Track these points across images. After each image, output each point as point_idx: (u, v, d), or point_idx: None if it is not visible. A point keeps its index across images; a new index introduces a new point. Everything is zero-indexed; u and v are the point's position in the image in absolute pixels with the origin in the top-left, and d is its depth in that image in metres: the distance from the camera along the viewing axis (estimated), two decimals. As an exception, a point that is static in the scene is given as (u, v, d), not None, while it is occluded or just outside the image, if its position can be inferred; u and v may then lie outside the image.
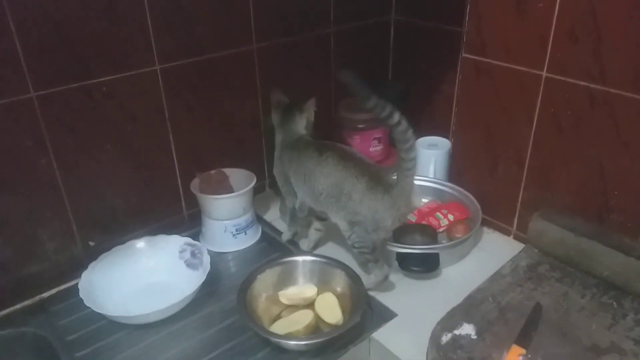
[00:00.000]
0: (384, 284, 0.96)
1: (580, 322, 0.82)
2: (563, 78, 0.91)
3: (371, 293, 0.95)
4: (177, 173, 1.11)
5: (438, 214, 1.14)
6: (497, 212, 1.11)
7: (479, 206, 1.10)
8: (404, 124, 0.81)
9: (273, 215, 1.22)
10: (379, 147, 1.31)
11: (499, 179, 1.08)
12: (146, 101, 1.01)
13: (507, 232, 1.11)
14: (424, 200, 1.20)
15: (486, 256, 1.05)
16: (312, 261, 0.97)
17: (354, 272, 0.93)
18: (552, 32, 0.90)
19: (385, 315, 0.92)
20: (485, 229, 1.14)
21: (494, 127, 1.05)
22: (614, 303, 0.86)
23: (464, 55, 1.05)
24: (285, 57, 1.17)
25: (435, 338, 0.79)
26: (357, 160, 0.93)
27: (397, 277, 1.01)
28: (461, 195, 1.16)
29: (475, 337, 0.79)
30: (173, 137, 1.07)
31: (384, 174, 0.92)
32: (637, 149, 0.86)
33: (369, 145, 1.30)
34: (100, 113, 0.96)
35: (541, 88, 0.95)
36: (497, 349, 0.77)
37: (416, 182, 1.20)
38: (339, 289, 0.94)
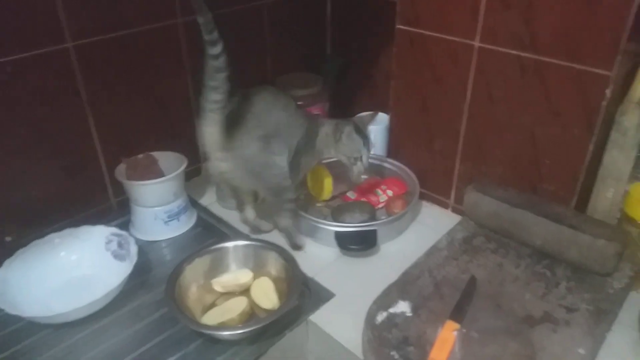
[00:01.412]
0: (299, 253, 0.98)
1: (515, 293, 0.82)
2: (495, 47, 0.89)
3: (309, 274, 0.93)
4: (101, 159, 1.04)
5: (377, 190, 1.12)
6: (434, 185, 1.10)
7: (416, 180, 1.09)
8: (222, 61, 0.79)
9: (209, 199, 1.17)
10: (318, 124, 1.28)
11: (436, 152, 1.07)
12: (59, 82, 0.93)
13: (445, 206, 1.11)
14: (364, 177, 1.18)
15: (425, 230, 1.05)
16: (245, 245, 0.93)
17: (289, 254, 0.90)
18: (484, 0, 0.88)
19: (323, 296, 0.90)
20: (424, 202, 1.13)
21: (430, 99, 1.03)
22: (547, 272, 0.86)
23: (398, 26, 1.01)
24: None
25: (370, 318, 0.78)
26: None
27: (335, 255, 0.99)
28: (400, 171, 1.14)
29: (410, 314, 0.78)
30: (94, 120, 1.00)
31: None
32: (567, 117, 0.86)
33: (307, 122, 1.27)
34: (8, 95, 0.88)
35: (474, 58, 0.93)
36: (432, 325, 0.76)
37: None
38: (274, 273, 0.91)
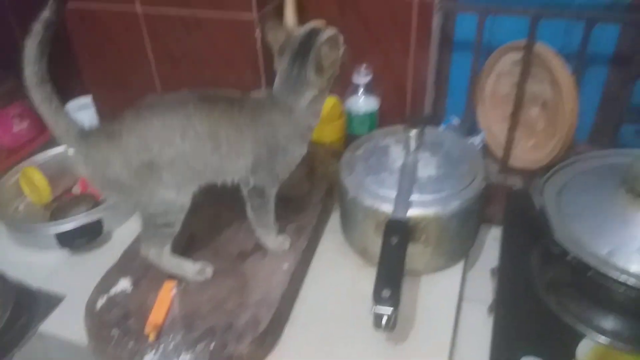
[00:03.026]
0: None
1: (230, 236, 0.88)
2: (156, 8, 0.91)
3: (35, 285, 0.87)
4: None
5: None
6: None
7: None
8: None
9: None
10: (25, 124, 1.17)
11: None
12: None
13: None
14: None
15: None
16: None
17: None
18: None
19: (51, 302, 0.85)
20: (157, 176, 1.14)
21: (121, 73, 1.02)
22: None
23: (69, 6, 0.96)
24: None
25: (90, 305, 0.76)
26: None
27: (65, 257, 0.94)
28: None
29: (131, 288, 0.79)
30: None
31: None
32: (238, 65, 0.92)
33: (10, 126, 1.15)
34: None
35: (142, 24, 0.93)
36: (153, 292, 0.78)
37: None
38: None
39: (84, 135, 0.71)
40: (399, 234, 0.67)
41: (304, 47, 0.70)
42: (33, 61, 0.68)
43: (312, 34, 0.70)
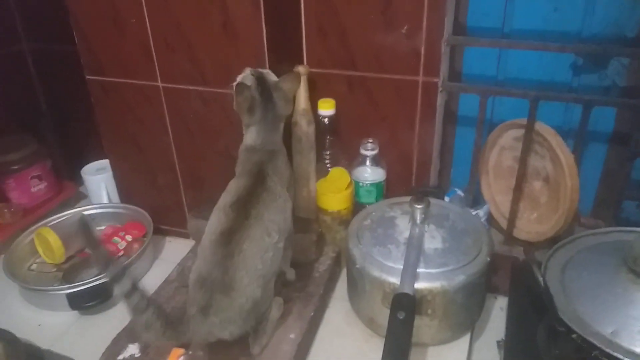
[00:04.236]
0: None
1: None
2: (175, 85, 0.96)
3: (45, 346, 0.88)
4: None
5: (115, 238, 1.11)
6: (170, 219, 1.14)
7: (150, 219, 1.11)
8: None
9: None
10: (43, 185, 1.21)
11: (162, 188, 1.11)
12: None
13: (187, 236, 1.15)
14: (100, 228, 1.16)
15: (168, 266, 1.06)
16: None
17: (9, 334, 0.84)
18: (152, 44, 0.94)
19: (59, 365, 0.86)
20: (168, 238, 1.17)
21: (140, 140, 1.06)
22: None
23: (87, 77, 1.02)
24: None
25: (97, 373, 0.77)
26: None
27: (74, 319, 0.95)
28: (136, 213, 1.15)
29: (139, 354, 0.80)
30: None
31: None
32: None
33: (29, 187, 1.20)
34: None
35: (162, 98, 0.99)
36: (161, 358, 0.78)
37: (91, 211, 1.18)
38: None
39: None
40: (406, 308, 0.68)
41: (265, 92, 0.82)
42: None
43: (260, 80, 0.82)
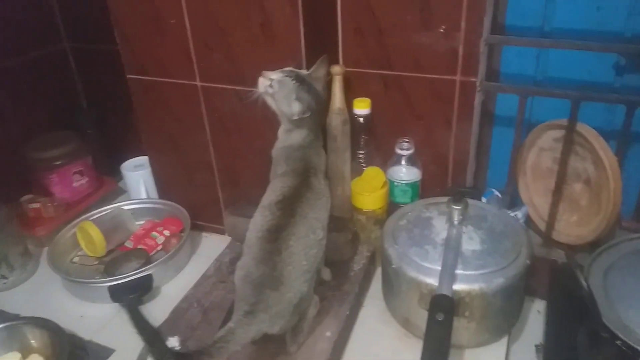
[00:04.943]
0: None
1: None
2: (214, 85, 0.98)
3: (87, 337, 0.92)
4: None
5: (154, 232, 1.14)
6: (207, 216, 1.16)
7: (187, 214, 1.13)
8: None
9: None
10: (84, 180, 1.25)
11: (199, 186, 1.13)
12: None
13: (222, 232, 1.17)
14: (139, 223, 1.19)
15: (205, 261, 1.08)
16: (5, 327, 0.88)
17: (54, 324, 0.87)
18: (191, 44, 0.96)
19: (101, 355, 0.89)
20: (204, 234, 1.19)
21: (178, 138, 1.09)
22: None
23: (128, 76, 1.05)
24: None
25: (140, 365, 0.79)
26: None
27: (115, 311, 0.98)
28: (173, 209, 1.17)
29: (178, 348, 0.82)
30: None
31: None
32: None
33: (71, 182, 1.23)
34: None
35: (201, 96, 1.00)
36: (200, 352, 0.80)
37: (131, 206, 1.21)
38: (42, 347, 0.87)
39: None
40: (445, 310, 0.68)
41: (311, 89, 0.84)
42: None
43: (299, 79, 0.83)
